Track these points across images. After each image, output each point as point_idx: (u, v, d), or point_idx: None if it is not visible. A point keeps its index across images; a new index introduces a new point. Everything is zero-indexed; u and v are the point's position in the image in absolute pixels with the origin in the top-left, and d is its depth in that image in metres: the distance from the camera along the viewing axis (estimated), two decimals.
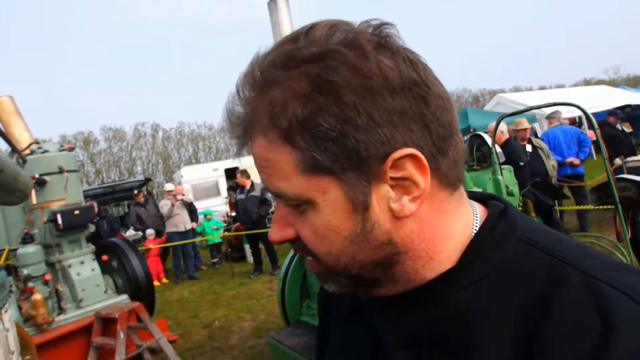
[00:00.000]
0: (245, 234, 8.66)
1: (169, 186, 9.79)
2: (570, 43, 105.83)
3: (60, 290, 4.76)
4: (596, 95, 18.27)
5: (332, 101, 0.46)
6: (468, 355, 0.49)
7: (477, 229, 0.55)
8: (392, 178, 0.49)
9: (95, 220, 8.75)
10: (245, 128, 0.52)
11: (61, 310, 4.73)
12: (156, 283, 9.02)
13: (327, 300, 0.77)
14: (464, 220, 0.56)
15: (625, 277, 0.46)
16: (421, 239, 0.53)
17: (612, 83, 37.69)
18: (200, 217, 10.05)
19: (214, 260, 10.11)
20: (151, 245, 9.25)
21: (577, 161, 7.07)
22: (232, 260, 9.35)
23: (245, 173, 8.49)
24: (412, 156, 0.48)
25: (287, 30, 3.44)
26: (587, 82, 51.65)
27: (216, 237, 9.51)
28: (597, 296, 0.44)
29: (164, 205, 9.14)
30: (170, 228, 9.11)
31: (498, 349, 0.47)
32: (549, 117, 7.82)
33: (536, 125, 15.42)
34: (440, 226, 0.54)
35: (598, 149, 8.29)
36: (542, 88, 45.25)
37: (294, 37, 0.51)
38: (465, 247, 0.54)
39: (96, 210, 9.28)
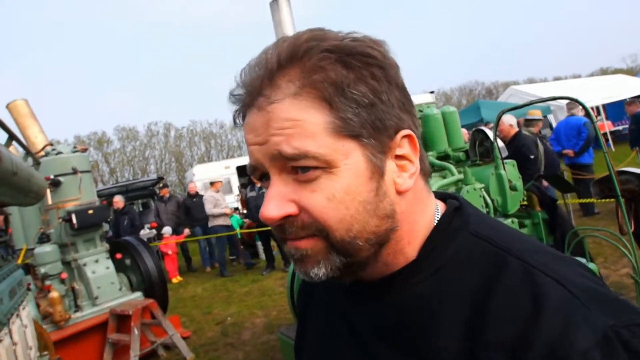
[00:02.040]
0: (257, 231, 8.72)
1: (216, 178, 9.92)
2: (586, 32, 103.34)
3: (76, 288, 4.88)
4: (614, 85, 17.76)
5: (367, 73, 0.53)
6: (427, 337, 0.55)
7: (437, 222, 0.61)
8: (396, 156, 0.57)
9: (112, 217, 8.92)
10: (271, 87, 0.54)
11: (77, 307, 4.85)
12: (174, 280, 9.18)
13: (308, 295, 0.81)
14: (430, 212, 0.62)
15: (559, 267, 0.53)
16: (407, 220, 0.58)
17: (630, 72, 36.62)
18: None
19: (232, 257, 10.11)
20: (169, 252, 9.35)
21: (571, 153, 7.35)
22: (245, 257, 9.44)
23: None
24: (409, 137, 0.57)
25: (289, 30, 3.47)
26: (604, 72, 50.04)
27: (237, 232, 9.56)
28: (532, 282, 0.50)
29: (213, 197, 9.17)
30: (217, 221, 9.13)
31: (451, 331, 0.53)
32: (567, 107, 7.99)
33: (551, 117, 15.21)
34: (419, 212, 0.60)
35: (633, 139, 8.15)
36: (557, 79, 44.22)
37: (317, 29, 0.56)
38: (425, 239, 0.60)
39: (122, 205, 9.41)
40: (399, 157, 0.57)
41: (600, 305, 0.48)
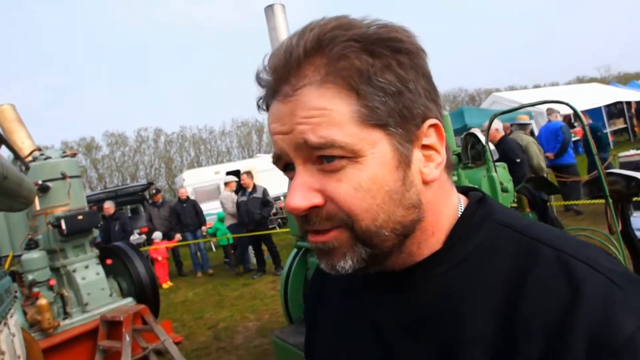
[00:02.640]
0: (249, 236, 8.68)
1: (230, 178, 9.79)
2: (563, 42, 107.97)
3: (65, 294, 4.81)
4: (589, 93, 18.71)
5: (394, 61, 0.52)
6: (455, 329, 0.53)
7: (461, 214, 0.61)
8: (422, 145, 0.56)
9: (103, 222, 8.82)
10: (297, 75, 0.53)
11: (66, 314, 4.79)
12: (165, 285, 9.11)
13: (320, 292, 0.79)
14: (454, 203, 0.61)
15: (588, 252, 0.52)
16: (433, 211, 0.58)
17: (604, 81, 37.92)
18: (212, 218, 10.14)
19: (227, 260, 9.97)
20: (159, 258, 9.26)
21: (550, 155, 7.79)
22: (236, 262, 9.39)
23: (250, 174, 8.56)
24: (436, 126, 0.56)
25: (284, 36, 3.48)
26: (580, 80, 52.19)
27: (230, 236, 9.51)
28: (566, 268, 0.50)
29: (230, 197, 9.05)
30: (234, 220, 9.02)
31: (482, 321, 0.52)
32: (547, 113, 8.42)
33: (532, 122, 15.62)
34: (443, 203, 0.59)
35: (585, 146, 8.55)
36: (536, 86, 45.36)
37: (342, 16, 0.55)
38: (450, 230, 0.59)
39: (113, 210, 9.32)
40: (426, 146, 0.56)
41: (635, 288, 0.48)
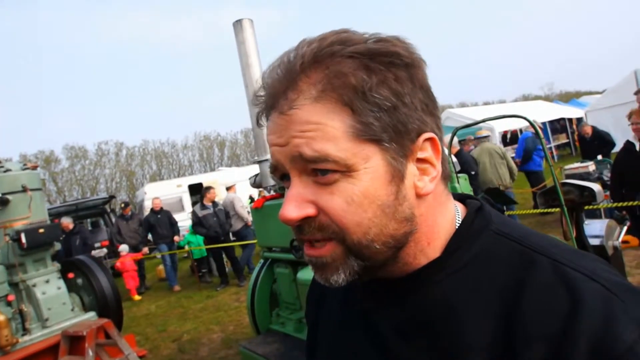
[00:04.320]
0: (208, 248, 8.64)
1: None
2: (509, 63, 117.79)
3: (25, 310, 4.69)
4: (535, 109, 19.93)
5: (390, 76, 0.53)
6: (454, 335, 0.54)
7: (459, 223, 0.61)
8: (417, 159, 0.56)
9: (63, 237, 8.57)
10: (293, 90, 0.54)
11: (25, 331, 4.65)
12: (136, 298, 8.97)
13: (321, 295, 0.80)
14: (450, 213, 0.62)
15: (585, 262, 0.54)
16: (427, 223, 0.58)
17: (547, 98, 40.29)
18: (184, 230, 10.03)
19: (200, 274, 9.68)
20: (119, 275, 9.07)
21: (518, 162, 8.57)
22: (199, 274, 9.31)
23: (214, 188, 8.66)
24: (432, 140, 0.56)
25: (252, 49, 3.61)
26: (526, 98, 55.69)
27: (187, 249, 9.43)
28: (564, 278, 0.51)
29: (239, 198, 9.09)
30: (241, 224, 8.88)
31: (480, 328, 0.53)
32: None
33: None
34: (439, 214, 0.60)
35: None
36: (486, 103, 47.65)
37: (341, 30, 0.56)
38: (448, 239, 0.60)
39: (71, 226, 9.08)
40: (421, 160, 0.57)
41: (634, 298, 0.49)
